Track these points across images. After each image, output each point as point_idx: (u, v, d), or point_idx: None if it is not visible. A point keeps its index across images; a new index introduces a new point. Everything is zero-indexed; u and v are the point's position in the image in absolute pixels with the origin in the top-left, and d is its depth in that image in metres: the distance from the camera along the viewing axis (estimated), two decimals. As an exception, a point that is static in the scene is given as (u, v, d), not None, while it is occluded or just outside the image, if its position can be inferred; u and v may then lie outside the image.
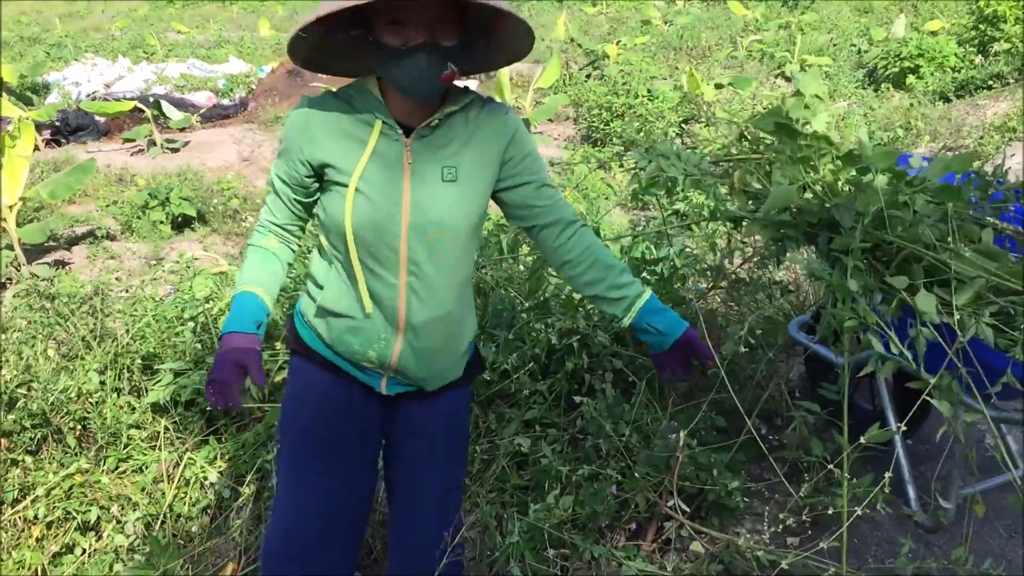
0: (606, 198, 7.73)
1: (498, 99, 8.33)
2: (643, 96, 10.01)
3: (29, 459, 3.33)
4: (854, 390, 3.27)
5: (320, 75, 14.27)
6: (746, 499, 2.86)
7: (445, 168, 1.92)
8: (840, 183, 2.60)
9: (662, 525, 2.80)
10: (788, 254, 2.76)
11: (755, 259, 3.45)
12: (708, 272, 3.70)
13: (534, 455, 3.25)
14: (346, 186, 1.90)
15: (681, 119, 9.70)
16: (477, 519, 2.90)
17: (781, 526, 2.51)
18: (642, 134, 9.10)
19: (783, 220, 2.64)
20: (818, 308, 3.36)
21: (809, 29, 16.15)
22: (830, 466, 2.26)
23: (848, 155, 2.50)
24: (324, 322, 2.09)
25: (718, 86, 10.31)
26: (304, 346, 2.16)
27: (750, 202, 2.91)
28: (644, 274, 3.58)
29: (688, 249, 3.99)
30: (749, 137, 2.91)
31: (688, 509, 2.67)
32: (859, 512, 2.19)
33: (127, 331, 4.25)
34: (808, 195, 2.65)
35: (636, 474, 2.79)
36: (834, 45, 14.29)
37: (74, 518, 3.26)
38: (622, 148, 9.29)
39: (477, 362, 2.32)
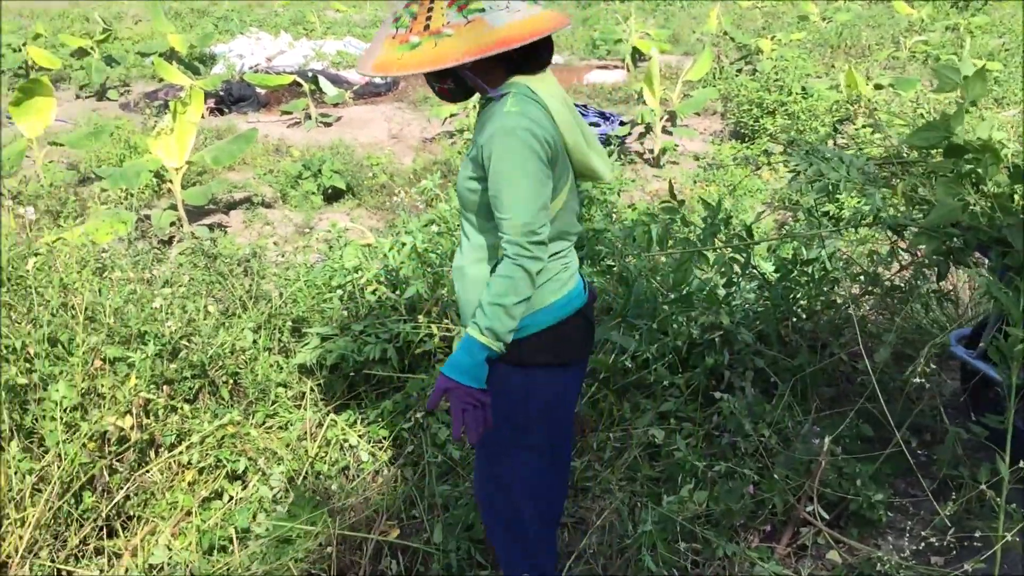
0: (751, 195, 7.57)
1: (647, 89, 8.24)
2: (797, 93, 9.73)
3: (187, 407, 3.52)
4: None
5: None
6: (889, 513, 2.77)
7: (471, 143, 2.18)
8: (1014, 195, 2.48)
9: (798, 530, 2.74)
10: (953, 268, 2.65)
11: (912, 267, 3.32)
12: (860, 277, 3.58)
13: (667, 447, 3.24)
14: None
15: (836, 119, 9.38)
16: (608, 505, 2.91)
17: (924, 544, 2.42)
18: (793, 132, 8.86)
19: (950, 233, 2.53)
20: (980, 322, 3.20)
21: (979, 32, 15.33)
22: (982, 486, 2.17)
23: (1015, 170, 2.38)
24: None
25: (878, 87, 9.91)
26: None
27: (915, 209, 2.80)
28: (795, 274, 3.50)
29: (839, 252, 3.87)
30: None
31: (827, 516, 2.61)
32: (1011, 537, 2.10)
33: (280, 294, 4.44)
34: (975, 208, 2.53)
35: (775, 475, 2.74)
36: (1006, 50, 13.51)
37: (224, 466, 3.44)
38: (772, 145, 9.08)
39: (514, 352, 2.17)
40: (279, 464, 3.49)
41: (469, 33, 1.99)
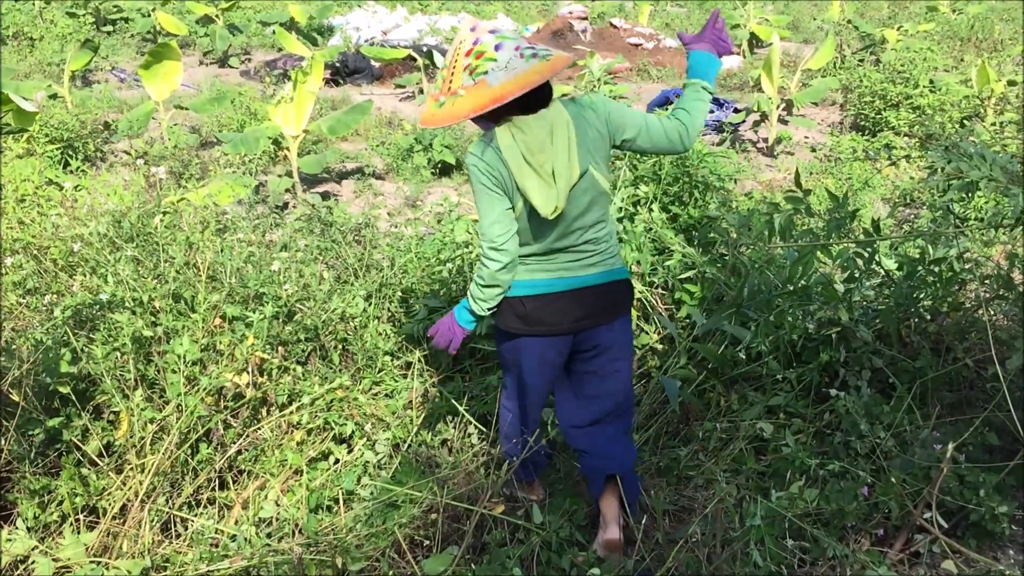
0: (871, 188, 7.32)
1: (765, 76, 8.05)
2: (924, 87, 9.35)
3: (299, 369, 3.61)
4: None
5: (582, 38, 14.34)
6: (1012, 526, 2.66)
7: None
8: None
9: (912, 536, 2.65)
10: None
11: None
12: (988, 280, 3.43)
13: (775, 442, 3.17)
14: None
15: (963, 115, 8.99)
16: (713, 495, 2.87)
17: (1049, 562, 2.32)
18: (918, 128, 8.52)
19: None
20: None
21: (1123, 29, 14.46)
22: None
23: None
24: None
25: (1011, 83, 9.44)
26: None
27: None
28: (921, 273, 3.37)
29: (968, 253, 3.71)
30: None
31: (946, 525, 2.52)
32: None
33: (390, 264, 4.51)
34: None
35: (892, 479, 2.66)
36: None
37: (332, 429, 3.52)
38: (894, 139, 8.76)
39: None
40: (385, 431, 3.55)
41: (474, 93, 2.54)
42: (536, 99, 2.61)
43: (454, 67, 2.60)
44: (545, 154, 2.59)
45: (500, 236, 2.64)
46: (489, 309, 2.80)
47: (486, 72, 2.53)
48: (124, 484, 3.06)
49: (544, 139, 2.60)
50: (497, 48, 2.55)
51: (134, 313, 3.47)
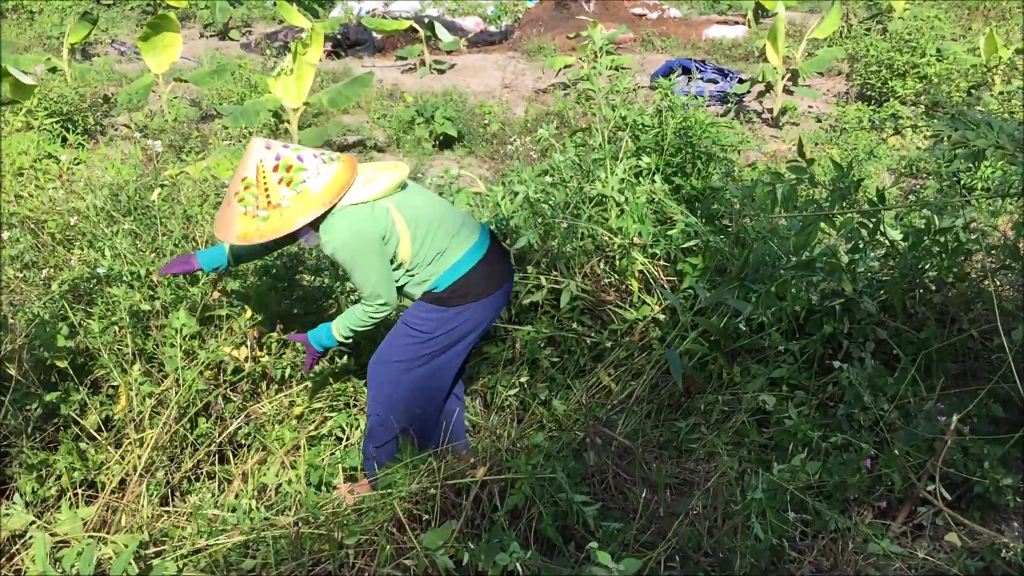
0: (877, 158, 7.25)
1: (770, 46, 7.94)
2: (931, 55, 9.24)
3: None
4: None
5: (586, 9, 14.20)
6: (1017, 498, 2.63)
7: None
8: None
9: (916, 509, 2.63)
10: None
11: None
12: (994, 250, 3.38)
13: (778, 415, 3.14)
14: None
15: (970, 84, 8.89)
16: (714, 468, 2.84)
17: (1054, 534, 2.29)
18: (925, 97, 8.44)
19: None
20: None
21: None
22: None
23: None
24: None
25: (1018, 51, 9.33)
26: None
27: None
28: (926, 244, 3.33)
29: (974, 223, 3.66)
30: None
31: (949, 497, 2.50)
32: None
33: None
34: None
35: (895, 451, 2.63)
36: None
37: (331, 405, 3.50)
38: (901, 109, 8.67)
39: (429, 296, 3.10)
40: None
41: (302, 200, 2.80)
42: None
43: (265, 184, 2.81)
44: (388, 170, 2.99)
45: (389, 291, 2.94)
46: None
47: (304, 181, 2.80)
48: (123, 458, 3.05)
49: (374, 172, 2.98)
50: (300, 159, 2.84)
51: (131, 287, 3.45)
